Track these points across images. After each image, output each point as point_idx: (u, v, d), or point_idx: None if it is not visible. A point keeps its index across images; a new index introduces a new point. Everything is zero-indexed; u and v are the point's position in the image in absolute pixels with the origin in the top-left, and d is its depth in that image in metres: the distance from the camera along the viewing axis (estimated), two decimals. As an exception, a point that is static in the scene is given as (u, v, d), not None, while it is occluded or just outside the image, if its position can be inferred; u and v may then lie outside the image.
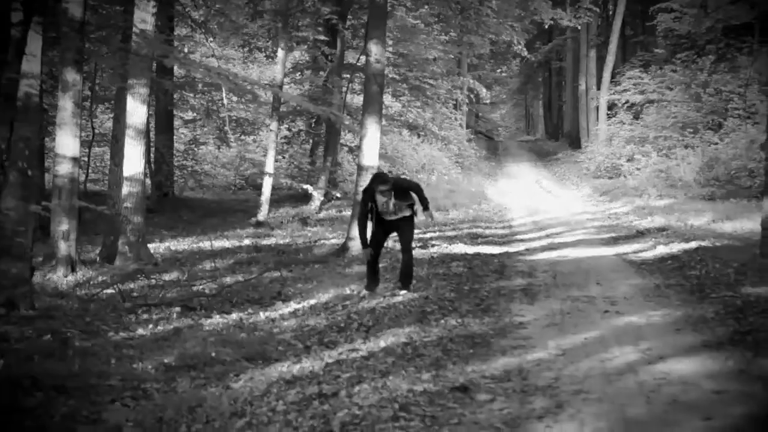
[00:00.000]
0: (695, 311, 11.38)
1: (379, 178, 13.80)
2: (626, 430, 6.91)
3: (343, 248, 19.37)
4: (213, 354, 9.67)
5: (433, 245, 19.88)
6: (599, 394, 7.78)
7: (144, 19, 18.32)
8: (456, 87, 48.82)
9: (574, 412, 7.33)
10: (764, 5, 16.03)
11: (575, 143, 57.24)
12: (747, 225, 20.85)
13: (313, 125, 36.58)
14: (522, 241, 21.77)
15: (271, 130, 28.89)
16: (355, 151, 28.40)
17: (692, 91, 38.45)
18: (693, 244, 18.00)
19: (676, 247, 17.96)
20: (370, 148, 19.39)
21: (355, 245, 19.09)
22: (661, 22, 43.24)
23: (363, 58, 25.03)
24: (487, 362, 9.10)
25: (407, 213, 13.77)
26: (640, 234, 21.45)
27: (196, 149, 39.19)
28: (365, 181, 19.02)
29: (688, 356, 8.97)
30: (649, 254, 17.68)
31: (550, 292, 13.62)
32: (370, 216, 13.66)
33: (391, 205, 13.45)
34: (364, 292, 13.91)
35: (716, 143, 33.79)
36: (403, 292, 13.53)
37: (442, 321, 11.32)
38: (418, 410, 7.46)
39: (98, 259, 19.14)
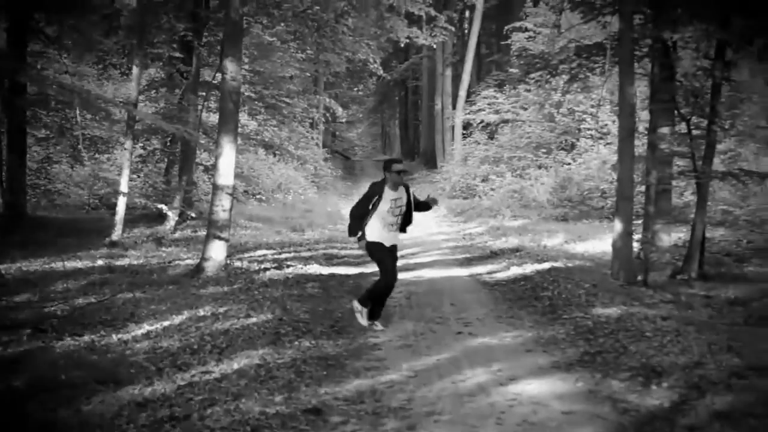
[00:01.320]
0: (547, 332, 11.58)
1: (392, 159, 12.72)
2: (477, 452, 7.00)
3: (198, 269, 19.14)
4: (63, 377, 9.49)
5: (288, 266, 19.77)
6: (451, 416, 7.86)
7: (-5, 35, 17.97)
8: (312, 105, 49.02)
9: (426, 434, 7.40)
10: (616, 25, 16.53)
11: (431, 163, 57.65)
12: (599, 246, 21.19)
13: (168, 144, 36.10)
14: (377, 261, 21.78)
15: (125, 149, 28.38)
16: (211, 170, 28.17)
17: (546, 111, 38.93)
18: (546, 265, 18.17)
19: (530, 268, 18.12)
20: (226, 167, 19.22)
21: (210, 266, 18.91)
22: (515, 42, 43.85)
23: (219, 76, 24.87)
24: (340, 384, 9.14)
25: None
26: (494, 255, 21.63)
27: (49, 168, 38.39)
28: (221, 200, 18.89)
29: (538, 377, 9.13)
30: (502, 275, 17.87)
31: (405, 313, 13.71)
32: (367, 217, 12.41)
33: (403, 202, 12.38)
34: (365, 322, 12.66)
35: (569, 164, 34.25)
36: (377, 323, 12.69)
37: (296, 342, 11.31)
38: (271, 433, 7.45)
39: (-54, 280, 18.67)
